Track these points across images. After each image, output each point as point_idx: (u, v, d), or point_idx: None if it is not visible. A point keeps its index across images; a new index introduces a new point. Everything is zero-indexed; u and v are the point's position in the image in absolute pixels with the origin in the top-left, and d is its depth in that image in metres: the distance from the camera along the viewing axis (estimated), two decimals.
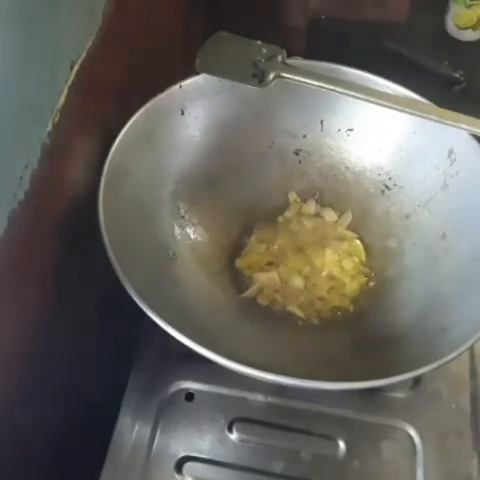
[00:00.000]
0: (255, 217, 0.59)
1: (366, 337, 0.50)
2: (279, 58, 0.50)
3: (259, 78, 0.49)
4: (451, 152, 0.51)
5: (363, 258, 0.56)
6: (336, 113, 0.56)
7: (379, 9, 0.73)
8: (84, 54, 0.41)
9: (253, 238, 0.58)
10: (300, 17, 0.75)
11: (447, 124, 0.46)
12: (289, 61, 0.50)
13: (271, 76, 0.49)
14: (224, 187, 0.57)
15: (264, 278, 0.55)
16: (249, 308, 0.54)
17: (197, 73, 0.51)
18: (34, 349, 0.43)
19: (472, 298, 0.45)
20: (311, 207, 0.59)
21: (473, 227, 0.49)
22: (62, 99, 0.39)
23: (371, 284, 0.55)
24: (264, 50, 0.50)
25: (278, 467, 0.48)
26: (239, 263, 0.56)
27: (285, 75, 0.49)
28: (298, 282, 0.55)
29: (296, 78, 0.49)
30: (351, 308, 0.54)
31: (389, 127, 0.55)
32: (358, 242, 0.57)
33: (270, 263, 0.56)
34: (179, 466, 0.48)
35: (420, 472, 0.47)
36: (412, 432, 0.49)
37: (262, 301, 0.54)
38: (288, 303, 0.54)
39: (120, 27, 0.46)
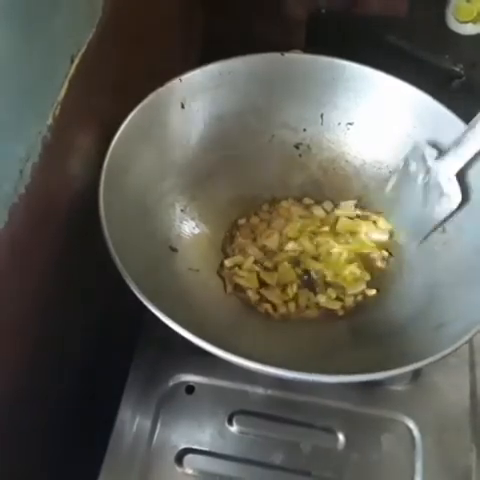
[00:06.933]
0: (255, 210, 0.59)
1: (365, 330, 0.50)
2: None
3: None
4: None
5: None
6: (336, 107, 0.56)
7: (379, 2, 0.73)
8: (84, 47, 0.41)
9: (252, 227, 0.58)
10: (300, 10, 0.75)
11: None
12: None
13: None
14: (224, 181, 0.57)
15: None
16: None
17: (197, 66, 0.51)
18: (34, 349, 0.43)
19: (471, 291, 0.45)
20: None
21: (472, 221, 0.49)
22: (62, 92, 0.39)
23: (370, 278, 0.55)
24: None
25: (278, 459, 0.48)
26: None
27: None
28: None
29: None
30: (350, 302, 0.54)
31: (389, 121, 0.55)
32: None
33: (268, 253, 0.56)
34: (179, 458, 0.48)
35: (419, 464, 0.47)
36: (411, 425, 0.49)
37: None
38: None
39: (121, 20, 0.46)
